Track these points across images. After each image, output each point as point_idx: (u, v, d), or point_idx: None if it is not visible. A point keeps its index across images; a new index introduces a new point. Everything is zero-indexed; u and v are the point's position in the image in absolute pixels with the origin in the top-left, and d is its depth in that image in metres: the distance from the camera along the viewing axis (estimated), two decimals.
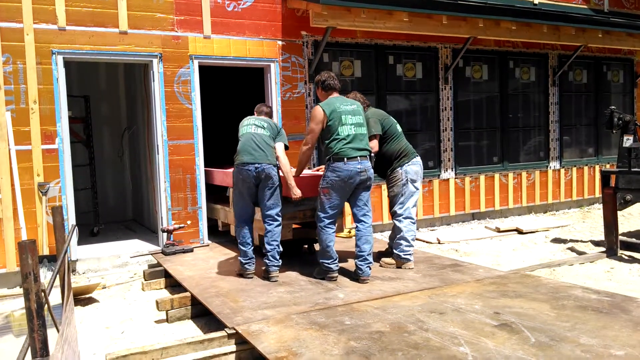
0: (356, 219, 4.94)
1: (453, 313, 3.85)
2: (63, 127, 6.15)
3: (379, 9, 7.27)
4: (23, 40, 5.92)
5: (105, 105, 9.70)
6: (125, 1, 6.37)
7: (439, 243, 7.46)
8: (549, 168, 9.91)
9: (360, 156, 4.77)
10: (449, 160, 8.77)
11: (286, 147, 5.17)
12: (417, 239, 7.64)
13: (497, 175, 9.26)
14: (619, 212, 6.52)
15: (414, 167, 5.36)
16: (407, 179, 5.31)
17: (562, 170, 10.08)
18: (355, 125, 4.85)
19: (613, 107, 6.97)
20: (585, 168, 10.41)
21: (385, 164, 5.45)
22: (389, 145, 5.41)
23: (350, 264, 5.43)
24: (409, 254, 5.30)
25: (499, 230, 8.12)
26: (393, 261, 5.35)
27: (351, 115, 4.86)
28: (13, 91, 5.90)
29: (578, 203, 10.35)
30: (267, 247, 4.96)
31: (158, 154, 6.68)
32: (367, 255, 4.83)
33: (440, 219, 8.75)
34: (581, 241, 7.27)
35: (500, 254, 6.79)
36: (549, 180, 9.91)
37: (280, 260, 5.00)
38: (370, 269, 4.86)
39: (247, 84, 9.44)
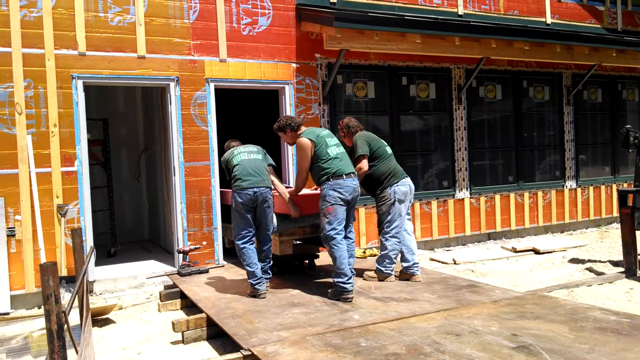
0: (344, 236, 5.13)
1: (470, 335, 3.82)
2: (82, 149, 6.27)
3: (392, 32, 7.35)
4: (44, 65, 6.09)
5: (123, 127, 9.88)
6: (143, 27, 6.53)
7: (454, 263, 7.41)
8: (565, 187, 9.84)
9: (352, 173, 5.11)
10: (464, 180, 8.75)
11: (274, 167, 5.60)
12: (432, 259, 7.65)
13: (512, 195, 9.21)
14: (637, 232, 6.44)
15: (402, 187, 5.54)
16: (395, 199, 5.50)
17: (579, 190, 10.00)
18: (337, 145, 5.25)
19: (629, 126, 6.91)
20: (602, 187, 10.31)
21: (375, 184, 5.63)
22: (378, 166, 5.58)
23: (363, 284, 5.47)
24: (391, 270, 5.61)
25: (515, 251, 8.05)
26: (373, 275, 5.66)
27: (330, 138, 5.27)
28: (34, 115, 6.04)
29: (596, 222, 10.23)
30: (261, 263, 5.30)
31: (174, 175, 6.76)
32: (352, 268, 5.12)
33: (455, 239, 8.71)
34: (599, 261, 7.17)
35: (517, 274, 6.73)
36: (566, 199, 9.82)
37: (270, 274, 5.46)
38: (353, 280, 5.05)
39: (262, 106, 9.55)
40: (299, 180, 5.38)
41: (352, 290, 4.89)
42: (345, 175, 5.00)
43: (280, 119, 5.46)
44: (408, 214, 5.70)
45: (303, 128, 5.35)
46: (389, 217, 5.50)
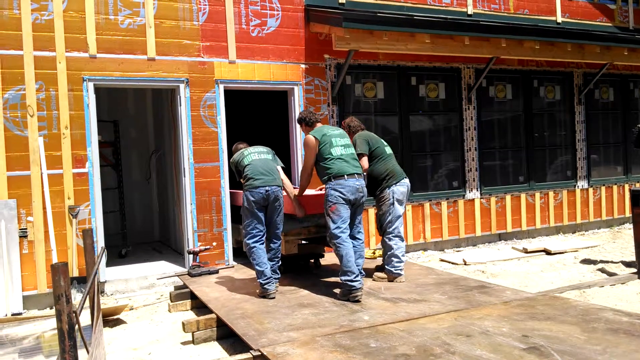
0: (351, 237, 5.21)
1: (480, 336, 3.80)
2: (93, 151, 6.32)
3: (400, 32, 7.33)
4: (55, 68, 6.14)
5: (133, 129, 9.94)
6: (153, 29, 6.57)
7: (465, 264, 7.37)
8: (576, 187, 9.76)
9: (357, 174, 5.13)
10: (474, 180, 8.71)
11: (283, 168, 5.67)
12: (442, 260, 7.63)
13: (523, 195, 9.15)
14: None
15: (401, 188, 5.65)
16: (394, 199, 5.60)
17: (591, 190, 9.91)
18: (344, 146, 5.25)
19: None
20: (615, 187, 10.21)
21: (374, 184, 5.73)
22: (376, 166, 5.69)
23: (373, 284, 5.47)
24: (400, 269, 5.62)
25: (526, 251, 8.00)
26: (384, 276, 5.67)
27: (339, 138, 5.29)
28: (46, 117, 6.10)
29: (608, 223, 10.14)
30: (270, 263, 5.33)
31: (184, 176, 6.79)
32: (361, 268, 5.15)
33: (466, 240, 8.67)
34: (612, 262, 7.10)
35: (528, 275, 6.68)
36: (577, 199, 9.74)
37: (279, 274, 5.46)
38: (362, 280, 5.08)
39: (271, 107, 9.57)
40: (302, 177, 5.49)
41: (360, 288, 4.89)
42: (348, 175, 5.05)
43: (302, 111, 5.67)
44: None
45: (319, 125, 5.46)
46: (389, 218, 5.61)
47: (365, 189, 5.20)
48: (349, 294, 4.90)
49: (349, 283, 4.88)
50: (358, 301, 4.84)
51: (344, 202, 5.02)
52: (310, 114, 5.54)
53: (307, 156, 5.32)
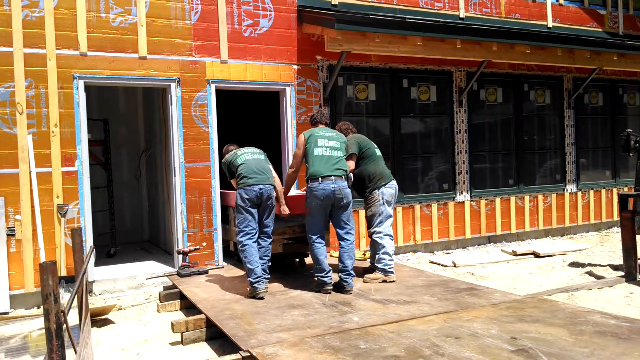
0: (340, 237, 5.34)
1: (469, 338, 3.81)
2: (83, 149, 6.27)
3: (393, 34, 7.35)
4: (45, 65, 6.09)
5: (123, 128, 9.87)
6: (144, 27, 6.53)
7: (454, 266, 7.40)
8: (565, 191, 9.83)
9: (334, 176, 5.16)
10: (464, 183, 8.74)
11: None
12: (432, 262, 7.66)
13: (513, 198, 9.20)
14: (638, 236, 6.43)
15: (390, 190, 5.78)
16: (383, 200, 5.72)
17: (579, 193, 9.99)
18: (330, 148, 5.31)
19: (629, 130, 6.91)
20: (603, 191, 10.30)
21: (362, 184, 5.84)
22: (365, 167, 5.81)
23: (363, 286, 5.48)
24: (392, 267, 5.71)
25: (515, 254, 8.04)
26: (377, 276, 5.68)
27: (328, 140, 5.35)
28: (35, 115, 6.04)
29: (596, 226, 10.22)
30: (260, 261, 5.33)
31: (175, 176, 6.76)
32: (350, 269, 5.27)
33: (455, 242, 8.70)
34: (599, 265, 7.16)
35: (517, 278, 6.72)
36: (566, 203, 9.81)
37: (269, 274, 5.38)
38: (352, 281, 5.29)
39: (263, 107, 9.55)
40: (288, 173, 5.67)
41: (330, 283, 5.19)
42: (322, 177, 5.13)
43: (314, 109, 5.81)
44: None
45: (320, 126, 5.60)
46: (379, 218, 5.72)
47: (345, 191, 5.22)
48: (320, 287, 5.21)
49: (321, 278, 5.19)
50: (329, 292, 5.13)
51: (315, 205, 5.16)
52: (319, 115, 5.70)
53: (295, 154, 5.48)
